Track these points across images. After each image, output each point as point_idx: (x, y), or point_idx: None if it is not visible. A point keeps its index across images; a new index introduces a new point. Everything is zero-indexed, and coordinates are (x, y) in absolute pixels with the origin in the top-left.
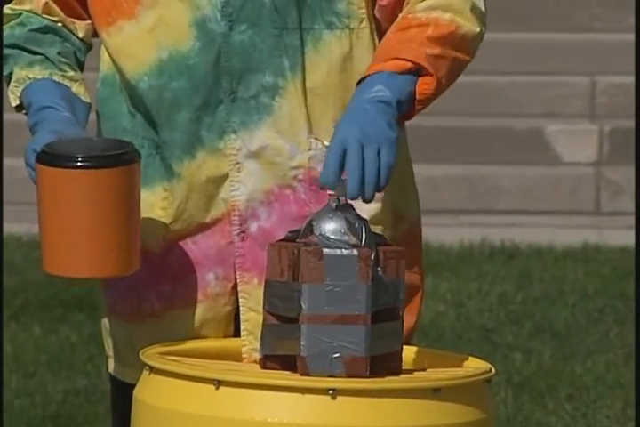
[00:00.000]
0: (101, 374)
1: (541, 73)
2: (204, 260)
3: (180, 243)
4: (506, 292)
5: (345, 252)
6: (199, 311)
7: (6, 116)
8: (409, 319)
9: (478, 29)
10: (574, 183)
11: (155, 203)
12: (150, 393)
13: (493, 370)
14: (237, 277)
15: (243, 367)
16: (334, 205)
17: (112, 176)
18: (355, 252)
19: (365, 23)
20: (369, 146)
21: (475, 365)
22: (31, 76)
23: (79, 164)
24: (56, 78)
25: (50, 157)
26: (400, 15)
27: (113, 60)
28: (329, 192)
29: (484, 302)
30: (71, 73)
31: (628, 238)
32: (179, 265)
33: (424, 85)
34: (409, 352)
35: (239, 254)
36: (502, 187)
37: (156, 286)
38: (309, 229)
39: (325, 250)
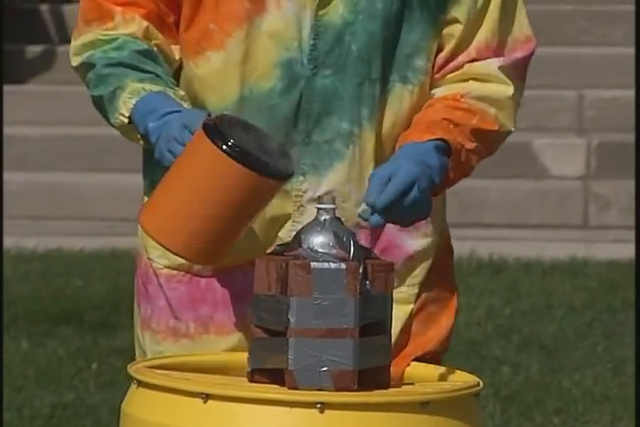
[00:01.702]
0: (89, 388)
1: (529, 87)
2: (249, 292)
3: (229, 272)
4: (493, 305)
5: (333, 265)
6: (233, 340)
7: None
8: (447, 323)
9: (512, 129)
10: (562, 197)
11: None
12: (138, 407)
13: (481, 384)
14: None
15: (230, 381)
16: (322, 218)
17: (268, 185)
18: (343, 265)
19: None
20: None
21: (463, 378)
22: (147, 88)
23: (252, 162)
24: (170, 94)
25: (218, 137)
26: (450, 90)
27: (195, 91)
28: (317, 206)
29: (471, 316)
30: (180, 92)
31: (616, 252)
32: (222, 292)
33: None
34: (396, 366)
35: None
36: (490, 200)
37: (195, 308)
38: (298, 242)
39: (313, 264)
